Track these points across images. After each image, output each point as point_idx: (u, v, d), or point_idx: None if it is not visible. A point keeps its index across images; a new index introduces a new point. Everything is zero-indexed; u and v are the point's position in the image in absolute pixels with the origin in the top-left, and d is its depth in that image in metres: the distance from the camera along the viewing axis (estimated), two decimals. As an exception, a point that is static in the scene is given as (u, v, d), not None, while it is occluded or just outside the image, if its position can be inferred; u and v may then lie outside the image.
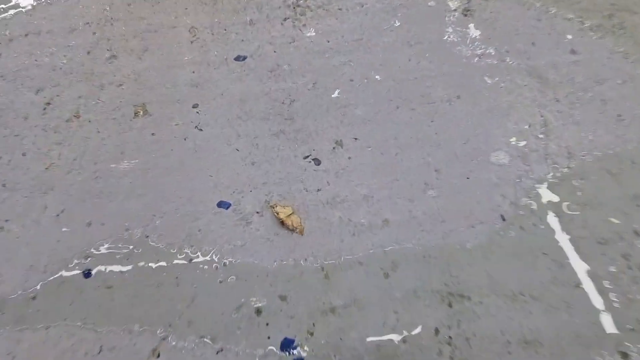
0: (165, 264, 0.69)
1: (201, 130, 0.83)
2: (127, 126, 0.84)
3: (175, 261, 0.69)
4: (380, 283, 0.68)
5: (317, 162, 0.80)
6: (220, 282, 0.68)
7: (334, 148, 0.82)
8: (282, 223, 0.72)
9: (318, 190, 0.77)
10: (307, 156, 0.81)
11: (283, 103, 0.87)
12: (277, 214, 0.72)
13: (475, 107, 0.87)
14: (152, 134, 0.83)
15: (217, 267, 0.69)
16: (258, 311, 0.66)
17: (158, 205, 0.74)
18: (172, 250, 0.70)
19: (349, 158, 0.81)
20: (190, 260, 0.70)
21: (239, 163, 0.79)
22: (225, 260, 0.70)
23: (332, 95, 0.88)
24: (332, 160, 0.80)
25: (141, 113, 0.85)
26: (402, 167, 0.80)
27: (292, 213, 0.73)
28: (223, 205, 0.75)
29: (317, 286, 0.68)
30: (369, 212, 0.74)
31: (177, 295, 0.67)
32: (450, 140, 0.82)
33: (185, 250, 0.70)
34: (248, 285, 0.67)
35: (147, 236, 0.71)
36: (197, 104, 0.86)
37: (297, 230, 0.72)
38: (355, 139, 0.83)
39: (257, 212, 0.74)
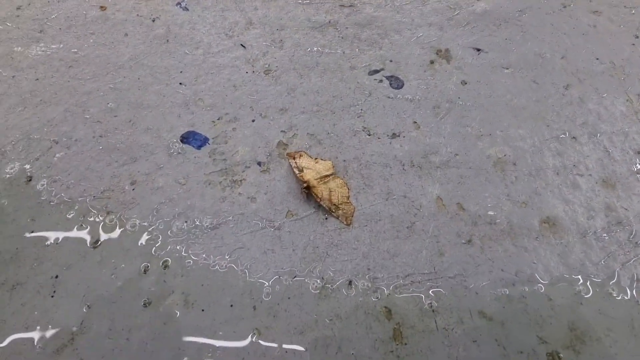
0: (55, 243, 0.31)
1: (186, 9, 0.45)
2: (64, -7, 0.47)
3: (70, 236, 0.31)
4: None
5: (396, 82, 0.39)
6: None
7: (432, 62, 0.40)
8: (308, 190, 0.32)
9: (393, 135, 0.36)
10: (377, 70, 0.40)
11: (340, -18, 0.46)
12: (301, 171, 0.33)
13: None
14: (101, 7, 0.46)
15: (144, 270, 0.30)
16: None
17: (69, 124, 0.37)
18: (67, 216, 0.32)
19: (464, 83, 0.39)
20: (95, 244, 0.31)
21: (241, 69, 0.40)
22: (170, 258, 0.31)
23: (434, -23, 0.46)
24: (426, 82, 0.39)
25: (94, -23, 0.49)
26: (582, 114, 0.37)
27: (332, 174, 0.33)
28: (193, 140, 0.36)
29: None
30: (507, 196, 0.32)
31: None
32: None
33: (90, 221, 0.32)
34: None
35: (30, 178, 0.34)
36: (190, -29, 0.48)
37: (340, 212, 0.32)
38: (478, 49, 0.41)
39: (259, 164, 0.35)
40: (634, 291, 0.29)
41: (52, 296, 0.29)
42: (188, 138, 0.36)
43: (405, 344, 0.27)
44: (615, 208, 0.32)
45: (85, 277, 0.30)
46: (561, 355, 0.26)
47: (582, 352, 0.27)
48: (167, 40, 0.43)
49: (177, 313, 0.28)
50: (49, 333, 0.28)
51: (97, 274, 0.30)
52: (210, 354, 0.27)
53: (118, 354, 0.27)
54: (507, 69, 0.39)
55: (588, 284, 0.29)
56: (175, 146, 0.36)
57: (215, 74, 0.40)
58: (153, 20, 0.44)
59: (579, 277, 0.29)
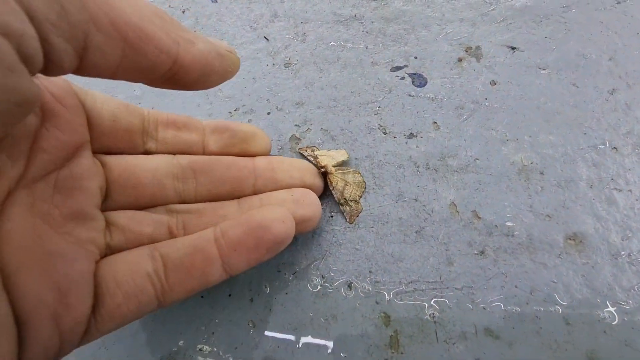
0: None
1: (215, 1, 0.46)
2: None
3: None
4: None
5: (419, 79, 0.37)
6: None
7: (459, 60, 0.38)
8: (325, 175, 0.31)
9: (410, 135, 0.34)
10: (400, 67, 0.38)
11: (371, -25, 0.45)
12: (316, 158, 0.32)
13: None
14: (138, -2, 0.48)
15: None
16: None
17: (99, 108, 0.39)
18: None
19: (493, 83, 0.36)
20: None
21: (262, 62, 0.40)
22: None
23: (471, -30, 0.43)
24: (452, 80, 0.37)
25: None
26: (628, 122, 0.33)
27: (348, 166, 0.32)
28: (209, 129, 0.37)
29: (364, 364, 0.26)
30: (529, 207, 0.30)
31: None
32: None
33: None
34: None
35: (60, 159, 0.36)
36: (223, -36, 0.49)
37: (347, 207, 0.31)
38: (512, 48, 0.38)
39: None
40: (672, 325, 0.25)
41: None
42: (205, 127, 0.37)
43: (402, 353, 0.26)
44: (656, 229, 0.28)
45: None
46: (574, 386, 0.24)
47: (600, 386, 0.24)
48: (195, 31, 0.44)
49: (177, 297, 0.29)
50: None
51: (109, 252, 0.31)
52: (204, 340, 0.27)
53: (121, 335, 0.28)
54: (544, 69, 0.36)
55: (615, 311, 0.26)
56: (192, 135, 0.36)
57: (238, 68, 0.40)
58: (183, 12, 0.45)
59: (606, 302, 0.26)
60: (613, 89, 0.34)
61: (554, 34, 0.38)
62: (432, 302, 0.27)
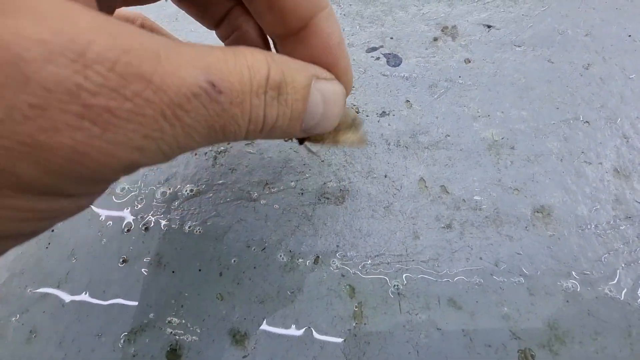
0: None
1: (197, -11, 0.46)
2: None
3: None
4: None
5: (394, 59, 0.37)
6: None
7: (435, 39, 0.38)
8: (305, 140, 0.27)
9: (382, 113, 0.34)
10: (376, 48, 0.38)
11: (350, -41, 0.45)
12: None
13: None
14: None
15: (127, 230, 0.32)
16: None
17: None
18: (69, 177, 0.35)
19: (468, 61, 0.36)
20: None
21: (241, 45, 0.40)
22: (151, 221, 0.32)
23: (451, -49, 0.43)
24: (426, 59, 0.37)
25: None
26: (602, 96, 0.32)
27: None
28: (186, 112, 0.37)
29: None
30: (497, 182, 0.30)
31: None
32: None
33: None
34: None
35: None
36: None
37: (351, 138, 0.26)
38: (488, 26, 0.38)
39: (244, 137, 0.35)
40: (639, 294, 0.25)
41: (47, 247, 0.32)
42: (182, 110, 0.37)
43: (365, 324, 0.26)
44: (625, 201, 0.28)
45: (76, 232, 0.32)
46: (534, 353, 0.24)
47: (560, 354, 0.24)
48: (177, 19, 0.44)
49: (149, 272, 0.30)
50: (39, 278, 0.30)
51: (85, 231, 0.32)
52: (174, 313, 0.28)
53: (93, 308, 0.29)
54: (519, 46, 0.36)
55: (579, 281, 0.26)
56: (170, 117, 0.37)
57: (215, 50, 0.41)
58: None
59: (571, 272, 0.26)
60: (588, 64, 0.34)
61: (530, 12, 0.38)
62: (396, 275, 0.27)
